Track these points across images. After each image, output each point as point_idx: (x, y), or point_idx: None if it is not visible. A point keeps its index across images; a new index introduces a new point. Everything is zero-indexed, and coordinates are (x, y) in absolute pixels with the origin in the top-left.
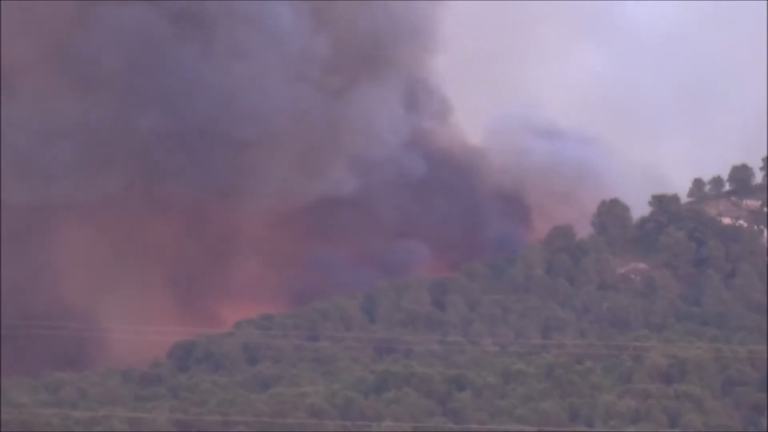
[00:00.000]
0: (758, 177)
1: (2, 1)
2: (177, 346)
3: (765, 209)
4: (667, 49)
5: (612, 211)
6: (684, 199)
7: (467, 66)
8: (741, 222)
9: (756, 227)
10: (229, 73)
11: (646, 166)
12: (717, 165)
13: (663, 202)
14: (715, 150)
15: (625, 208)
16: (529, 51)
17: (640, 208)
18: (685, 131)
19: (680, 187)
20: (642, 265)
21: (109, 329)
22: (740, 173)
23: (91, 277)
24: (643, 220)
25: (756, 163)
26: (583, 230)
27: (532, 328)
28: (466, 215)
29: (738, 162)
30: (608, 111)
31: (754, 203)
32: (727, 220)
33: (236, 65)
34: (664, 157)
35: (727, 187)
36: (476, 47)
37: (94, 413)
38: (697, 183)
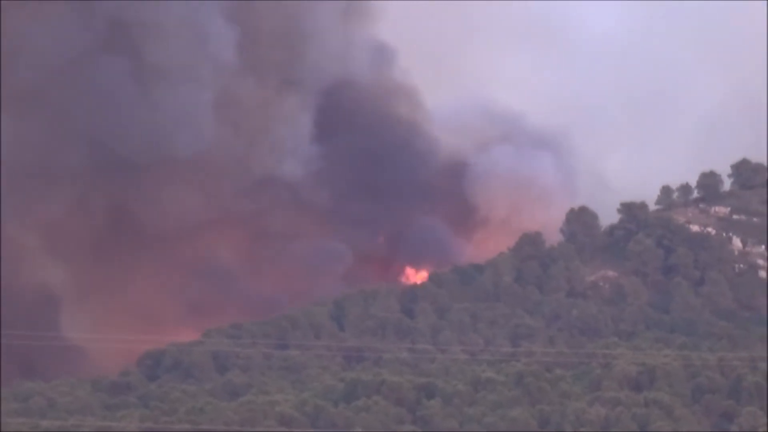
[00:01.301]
0: (726, 184)
1: None
2: (146, 355)
3: (734, 216)
4: (617, 55)
5: (581, 219)
6: (652, 206)
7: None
8: (709, 229)
9: (724, 234)
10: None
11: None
12: (666, 171)
13: (632, 210)
14: (664, 156)
15: (594, 216)
16: (482, 54)
17: (608, 216)
18: (634, 137)
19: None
20: (611, 273)
21: (77, 339)
22: (708, 180)
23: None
24: (612, 228)
25: (706, 168)
26: (552, 238)
27: (501, 335)
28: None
29: (683, 167)
30: (560, 116)
31: (722, 210)
32: (695, 228)
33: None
34: (616, 162)
35: (695, 194)
36: (427, 53)
37: (63, 422)
38: (666, 190)
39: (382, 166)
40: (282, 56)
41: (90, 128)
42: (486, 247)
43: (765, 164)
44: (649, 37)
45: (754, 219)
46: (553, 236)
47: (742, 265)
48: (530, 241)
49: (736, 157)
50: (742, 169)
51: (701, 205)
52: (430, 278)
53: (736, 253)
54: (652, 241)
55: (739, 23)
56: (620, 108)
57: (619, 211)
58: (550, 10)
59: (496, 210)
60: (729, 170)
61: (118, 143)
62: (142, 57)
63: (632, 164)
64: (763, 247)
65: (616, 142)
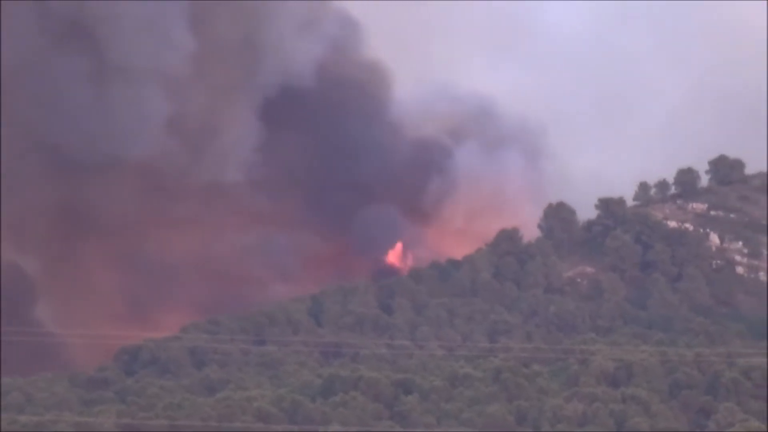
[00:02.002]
0: (704, 180)
1: None
2: (123, 350)
3: (711, 212)
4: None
5: (558, 215)
6: (630, 202)
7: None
8: (687, 225)
9: (702, 230)
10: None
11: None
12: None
13: (609, 206)
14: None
15: (572, 212)
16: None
17: (586, 211)
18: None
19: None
20: (588, 269)
21: (55, 334)
22: (686, 177)
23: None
24: (590, 224)
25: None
26: (530, 234)
27: (478, 331)
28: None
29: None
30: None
31: (699, 206)
32: (673, 224)
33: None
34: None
35: (672, 190)
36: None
37: (40, 418)
38: (643, 186)
39: (344, 161)
40: (236, 61)
41: (42, 129)
42: (455, 244)
43: (741, 160)
44: (615, 35)
45: (732, 215)
46: (531, 232)
47: (719, 261)
48: (508, 237)
49: (703, 153)
50: (720, 166)
51: (679, 201)
52: (409, 274)
53: (714, 249)
54: (630, 237)
55: (706, 19)
56: (589, 105)
57: (596, 207)
58: (515, 10)
59: (458, 215)
60: (706, 166)
61: (69, 144)
62: (98, 58)
63: (605, 161)
64: (741, 243)
65: (586, 140)
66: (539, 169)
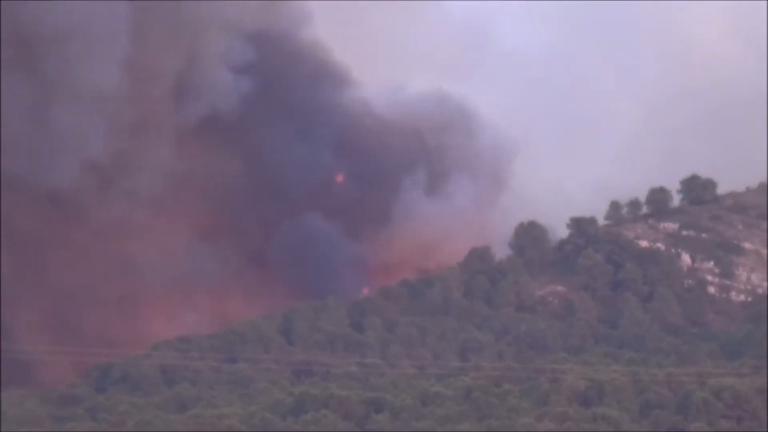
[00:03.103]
0: (676, 200)
1: None
2: (94, 367)
3: (682, 232)
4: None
5: (530, 233)
6: (602, 221)
7: None
8: (658, 245)
9: (673, 250)
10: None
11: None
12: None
13: (581, 225)
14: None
15: (543, 230)
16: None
17: (558, 230)
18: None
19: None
20: (560, 288)
21: (25, 350)
22: (657, 196)
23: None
24: (561, 243)
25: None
26: (501, 252)
27: (449, 350)
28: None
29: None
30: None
31: (671, 226)
32: (644, 243)
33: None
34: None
35: (644, 209)
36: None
37: None
38: (614, 206)
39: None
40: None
41: None
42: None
43: (713, 180)
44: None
45: (703, 235)
46: (502, 250)
47: (690, 281)
48: (479, 256)
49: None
50: (691, 185)
51: (650, 221)
52: (379, 292)
53: (685, 268)
54: (601, 257)
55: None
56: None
57: (568, 226)
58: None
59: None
60: (678, 186)
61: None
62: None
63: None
64: (712, 263)
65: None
66: (505, 188)
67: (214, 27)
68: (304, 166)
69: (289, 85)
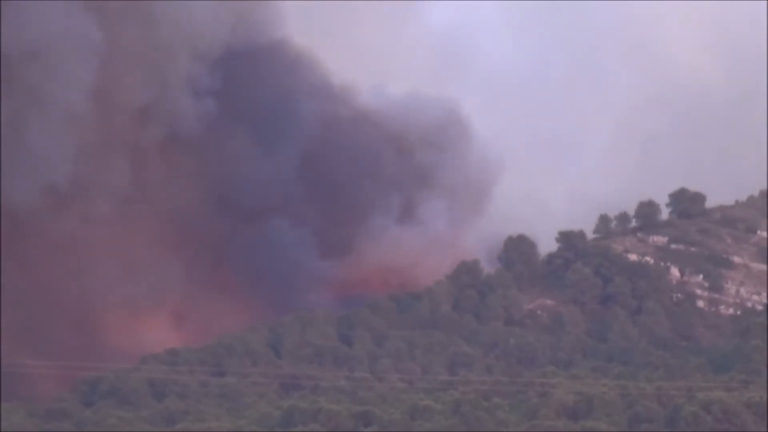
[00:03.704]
0: (665, 213)
1: None
2: (82, 381)
3: (671, 246)
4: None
5: (519, 247)
6: (590, 235)
7: None
8: (647, 258)
9: (662, 264)
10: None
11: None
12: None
13: (569, 239)
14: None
15: (532, 244)
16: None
17: (546, 245)
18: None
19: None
20: (549, 301)
21: (13, 364)
22: (646, 209)
23: None
24: (550, 257)
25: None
26: (490, 266)
27: (438, 364)
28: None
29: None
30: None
31: (660, 239)
32: (633, 257)
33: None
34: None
35: (633, 223)
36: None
37: None
38: (603, 219)
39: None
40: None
41: None
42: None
43: (702, 193)
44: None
45: (692, 248)
46: (491, 264)
47: (679, 295)
48: (467, 269)
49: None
50: (680, 199)
51: (639, 234)
52: (367, 305)
53: (674, 282)
54: (590, 270)
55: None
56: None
57: (557, 239)
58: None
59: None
60: (667, 199)
61: None
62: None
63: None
64: (701, 276)
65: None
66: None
67: (182, 52)
68: (267, 180)
69: (257, 98)
